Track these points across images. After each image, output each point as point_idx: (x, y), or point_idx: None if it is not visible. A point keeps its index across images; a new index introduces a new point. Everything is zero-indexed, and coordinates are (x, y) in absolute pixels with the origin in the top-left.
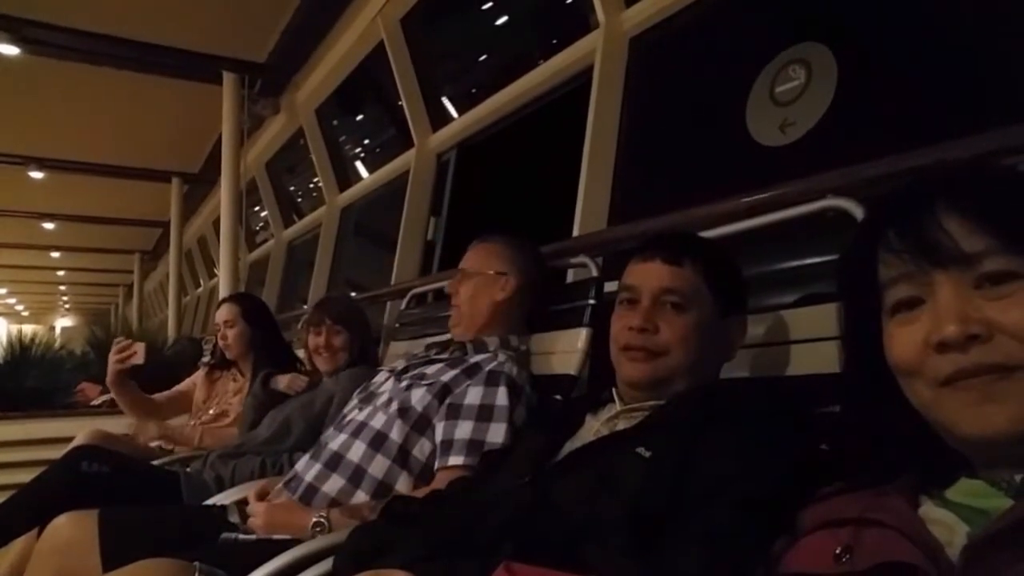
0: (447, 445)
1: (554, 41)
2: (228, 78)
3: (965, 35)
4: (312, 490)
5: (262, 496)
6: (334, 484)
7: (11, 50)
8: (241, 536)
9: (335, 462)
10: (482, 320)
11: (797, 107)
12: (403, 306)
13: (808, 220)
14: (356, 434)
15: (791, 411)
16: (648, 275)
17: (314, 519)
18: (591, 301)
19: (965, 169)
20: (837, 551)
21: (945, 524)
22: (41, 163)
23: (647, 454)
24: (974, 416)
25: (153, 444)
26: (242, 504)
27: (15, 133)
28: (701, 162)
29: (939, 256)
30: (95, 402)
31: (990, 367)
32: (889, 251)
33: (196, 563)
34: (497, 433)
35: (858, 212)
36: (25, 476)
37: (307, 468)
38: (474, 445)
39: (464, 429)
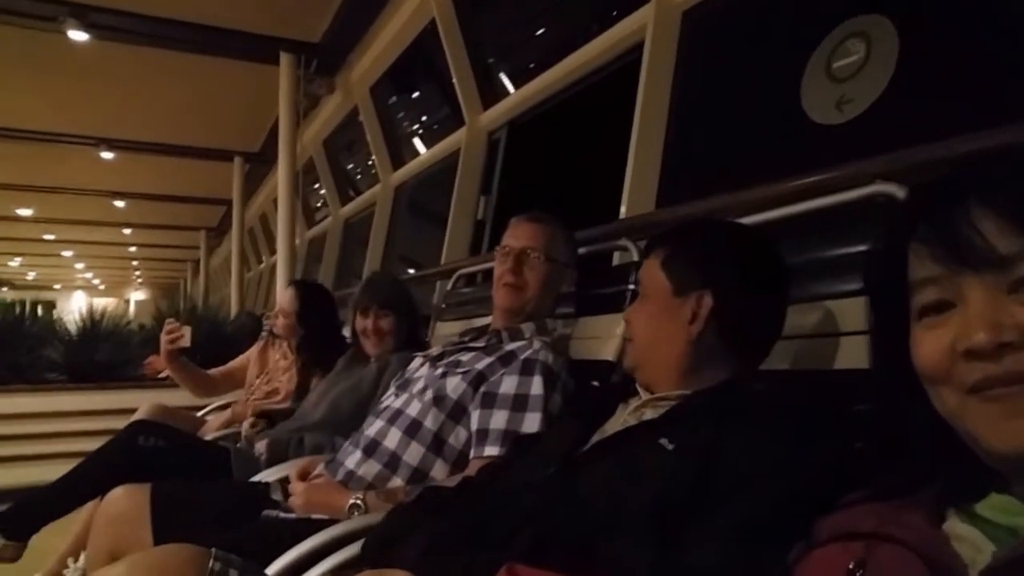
0: (482, 435)
1: (615, 13)
2: (285, 58)
3: None
4: (350, 475)
5: (303, 476)
6: (370, 469)
7: (81, 36)
8: (282, 514)
9: (372, 448)
10: (538, 309)
11: (855, 83)
12: (450, 286)
13: (856, 206)
14: (392, 421)
15: (826, 407)
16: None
17: (351, 501)
18: (631, 286)
19: (1004, 163)
20: (850, 566)
21: (970, 542)
22: (111, 144)
23: (670, 447)
24: (1002, 431)
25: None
26: (285, 483)
27: (86, 116)
28: (753, 142)
29: (972, 258)
30: (162, 374)
31: (1022, 375)
32: (919, 250)
33: (212, 549)
34: (532, 423)
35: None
36: (94, 444)
37: (346, 453)
38: (508, 435)
39: (499, 419)
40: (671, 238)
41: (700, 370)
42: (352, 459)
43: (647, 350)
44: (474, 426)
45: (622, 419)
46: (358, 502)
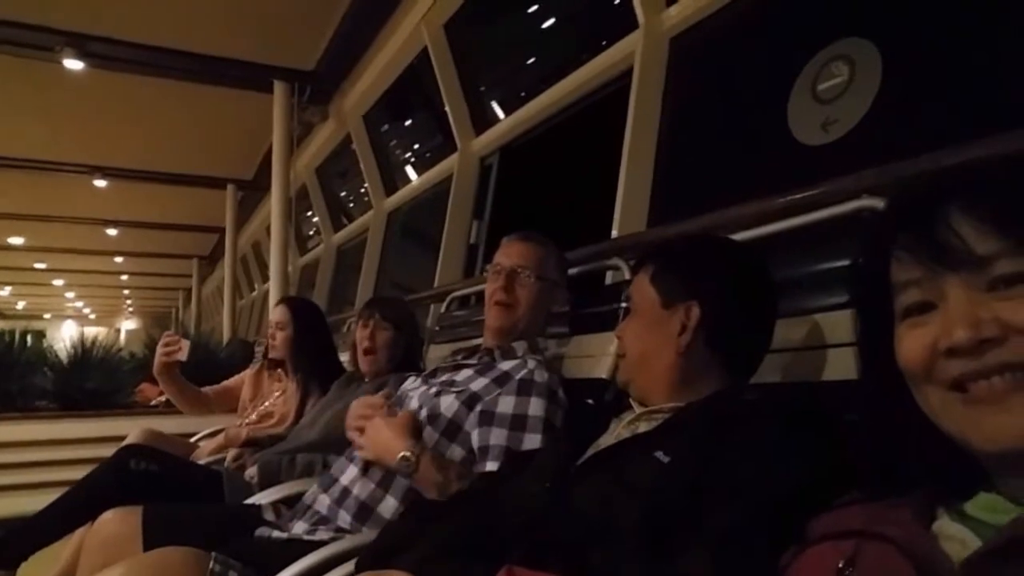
0: (484, 451)
1: (603, 42)
2: (279, 87)
3: (1020, 28)
4: (345, 492)
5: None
6: (364, 487)
7: (77, 65)
8: (275, 533)
9: (366, 466)
10: (529, 328)
11: (840, 105)
12: (443, 309)
13: (844, 221)
14: None
15: (816, 415)
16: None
17: (403, 453)
18: (624, 304)
19: (981, 170)
20: (840, 564)
21: (959, 540)
22: (105, 172)
23: (666, 459)
24: (985, 427)
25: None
26: (277, 504)
27: (81, 144)
28: (741, 163)
29: (950, 259)
30: (153, 402)
31: (1002, 366)
32: (901, 254)
33: (213, 553)
34: (532, 443)
35: None
36: (84, 473)
37: (341, 468)
38: (509, 453)
39: (498, 436)
40: (660, 253)
41: (692, 382)
42: (348, 476)
43: (639, 363)
44: (475, 443)
45: (616, 433)
46: (410, 456)
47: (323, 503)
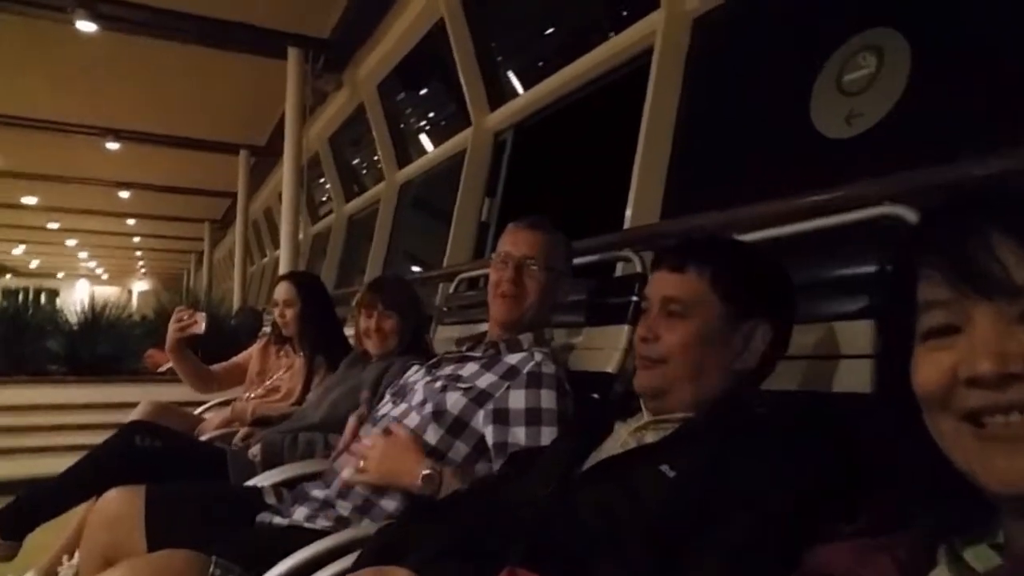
0: (501, 447)
1: (624, 12)
2: (292, 53)
3: None
4: (347, 485)
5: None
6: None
7: (89, 27)
8: (276, 519)
9: None
10: (536, 320)
11: (865, 98)
12: (452, 290)
13: (862, 227)
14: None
15: (828, 428)
16: (656, 284)
17: (425, 471)
18: (634, 298)
19: None
20: None
21: None
22: (117, 134)
23: (672, 473)
24: (996, 467)
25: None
26: (279, 487)
27: (93, 106)
28: (760, 154)
29: (985, 285)
30: (161, 369)
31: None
32: (931, 272)
33: (213, 557)
34: (550, 437)
35: (915, 221)
36: (92, 438)
37: (343, 463)
38: (513, 451)
39: (517, 434)
40: (714, 254)
41: (719, 395)
42: (349, 471)
43: (687, 375)
44: (491, 440)
45: (621, 440)
46: (433, 473)
47: (324, 493)
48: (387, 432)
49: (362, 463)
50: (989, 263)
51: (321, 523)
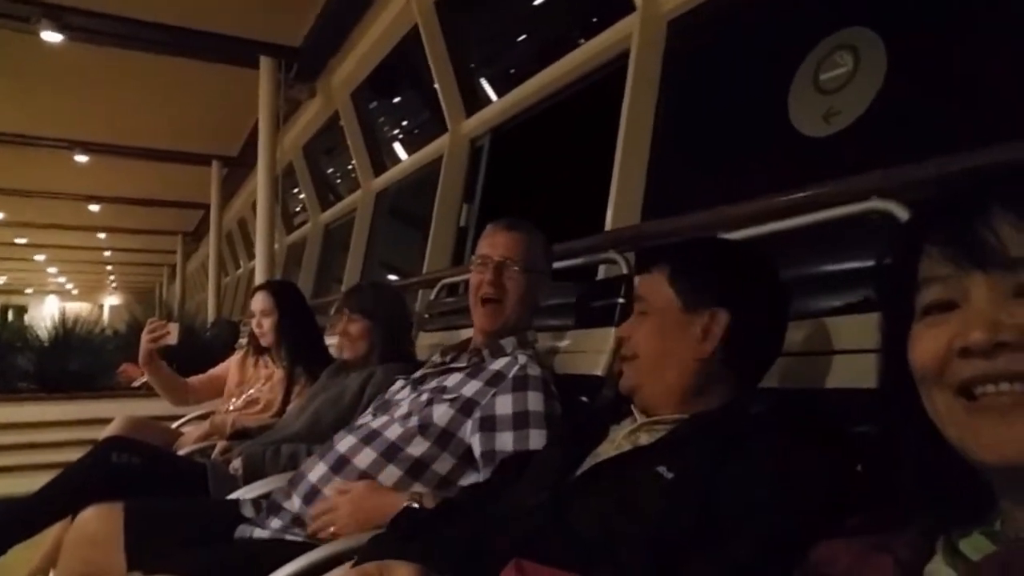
0: (489, 456)
1: (594, 19)
2: (265, 62)
3: None
4: (314, 490)
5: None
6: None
7: (54, 37)
8: (256, 532)
9: (340, 465)
10: (518, 322)
11: (843, 96)
12: (432, 296)
13: (850, 223)
14: (367, 441)
15: (826, 430)
16: (637, 287)
17: (406, 502)
18: (620, 300)
19: None
20: None
21: None
22: (86, 147)
23: (669, 475)
24: (989, 438)
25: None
26: (258, 500)
27: (61, 118)
28: (740, 153)
29: (981, 257)
30: (136, 383)
31: (1013, 374)
32: (932, 249)
33: None
34: (538, 439)
35: (903, 216)
36: (67, 455)
37: (311, 465)
38: (503, 458)
39: (504, 440)
40: (676, 252)
41: (703, 392)
42: (316, 473)
43: (652, 368)
44: (479, 449)
45: (616, 443)
46: (415, 500)
47: (295, 503)
48: (341, 492)
49: (332, 528)
50: (986, 235)
51: (298, 534)
